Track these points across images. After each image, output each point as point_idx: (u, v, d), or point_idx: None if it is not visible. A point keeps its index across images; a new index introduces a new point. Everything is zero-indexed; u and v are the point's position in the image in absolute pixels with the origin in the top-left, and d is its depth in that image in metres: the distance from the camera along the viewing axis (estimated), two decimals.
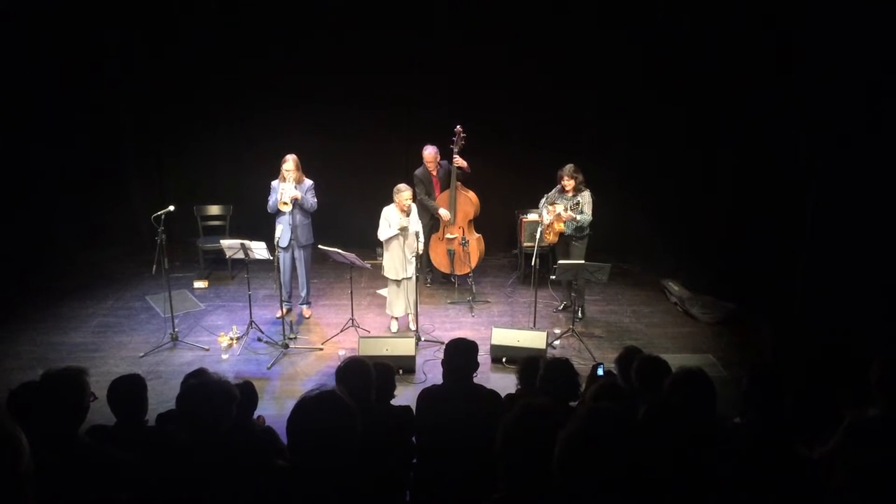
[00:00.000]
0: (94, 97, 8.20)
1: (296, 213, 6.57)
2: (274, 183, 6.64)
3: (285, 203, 6.43)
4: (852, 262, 5.85)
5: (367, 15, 8.10)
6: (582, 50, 8.05)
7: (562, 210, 6.63)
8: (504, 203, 8.32)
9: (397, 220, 6.41)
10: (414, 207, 6.57)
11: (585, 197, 6.64)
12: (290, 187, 6.47)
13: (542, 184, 6.95)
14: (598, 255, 6.83)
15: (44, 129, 7.86)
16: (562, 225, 6.71)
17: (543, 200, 6.88)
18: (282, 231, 6.60)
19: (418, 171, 7.42)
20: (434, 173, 7.43)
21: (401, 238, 6.48)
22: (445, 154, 7.33)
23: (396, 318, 6.86)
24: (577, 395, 3.63)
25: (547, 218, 6.76)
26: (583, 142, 8.18)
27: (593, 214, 6.66)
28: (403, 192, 6.37)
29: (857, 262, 5.83)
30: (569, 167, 6.65)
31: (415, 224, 6.48)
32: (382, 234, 6.47)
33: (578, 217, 6.58)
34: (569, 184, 6.64)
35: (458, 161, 7.18)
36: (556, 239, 6.86)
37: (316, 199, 6.70)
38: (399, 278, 6.61)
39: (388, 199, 6.53)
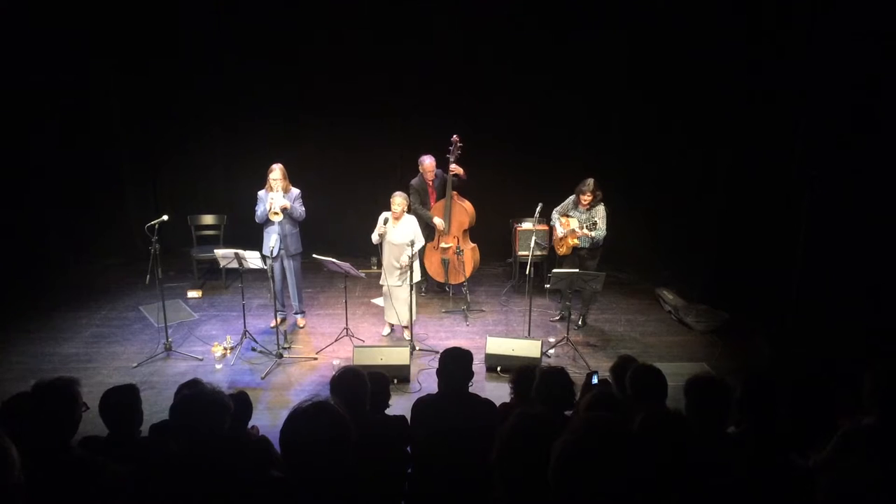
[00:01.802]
0: (88, 107, 8.19)
1: (284, 222, 6.55)
2: (261, 193, 6.63)
3: (276, 213, 6.42)
4: (847, 270, 5.88)
5: (361, 24, 8.12)
6: (577, 59, 8.08)
7: (577, 227, 6.58)
8: (499, 212, 8.33)
9: (384, 225, 6.43)
10: (409, 217, 6.56)
11: (600, 212, 6.60)
12: (279, 196, 6.46)
13: (537, 193, 6.96)
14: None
15: (37, 140, 7.84)
16: (576, 240, 6.69)
17: (556, 212, 6.80)
18: (274, 241, 6.58)
19: (414, 181, 7.41)
20: (431, 183, 7.43)
21: (387, 245, 6.49)
22: (441, 163, 7.34)
23: (391, 323, 6.85)
24: (572, 403, 3.63)
25: (560, 231, 6.72)
26: (578, 151, 8.21)
27: (607, 228, 6.63)
28: (394, 199, 6.40)
29: (852, 269, 5.86)
30: (591, 182, 6.55)
31: (405, 234, 6.40)
32: (373, 236, 6.53)
33: (593, 234, 6.54)
34: (586, 198, 6.58)
35: (455, 168, 7.18)
36: (569, 252, 6.82)
37: (304, 208, 6.69)
38: (382, 283, 6.64)
39: (382, 208, 6.54)
